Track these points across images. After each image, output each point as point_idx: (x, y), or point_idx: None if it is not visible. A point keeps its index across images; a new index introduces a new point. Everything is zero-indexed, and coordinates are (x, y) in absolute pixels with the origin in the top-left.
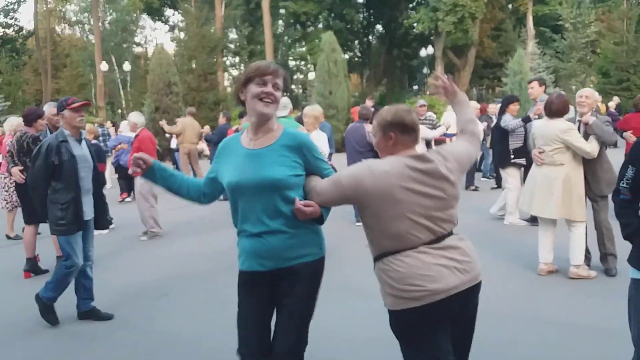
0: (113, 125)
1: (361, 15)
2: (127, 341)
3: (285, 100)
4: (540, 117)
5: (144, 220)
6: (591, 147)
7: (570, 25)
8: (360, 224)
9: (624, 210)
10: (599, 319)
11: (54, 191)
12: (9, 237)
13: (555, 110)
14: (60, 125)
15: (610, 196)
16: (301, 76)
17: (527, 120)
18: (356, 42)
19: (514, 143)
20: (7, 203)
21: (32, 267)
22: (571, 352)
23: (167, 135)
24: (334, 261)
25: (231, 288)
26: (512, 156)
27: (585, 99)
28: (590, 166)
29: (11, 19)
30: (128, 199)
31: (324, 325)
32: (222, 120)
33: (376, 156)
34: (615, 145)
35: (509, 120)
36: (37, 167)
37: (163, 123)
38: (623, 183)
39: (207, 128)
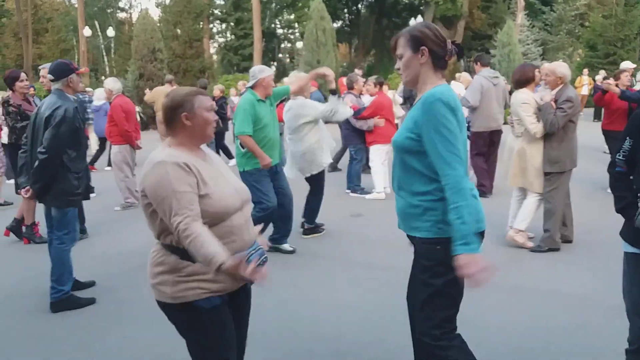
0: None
1: None
2: (111, 308)
3: (254, 70)
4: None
5: (122, 190)
6: (534, 127)
7: None
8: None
9: (619, 183)
10: (579, 288)
11: (70, 159)
12: None
13: (515, 80)
14: (58, 88)
15: (555, 175)
16: (289, 45)
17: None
18: (345, 10)
19: None
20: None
21: (15, 229)
22: (553, 320)
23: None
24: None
25: None
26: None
27: (545, 77)
28: (545, 140)
29: None
30: (107, 168)
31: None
32: None
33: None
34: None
35: None
36: (62, 133)
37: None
38: (619, 155)
39: None
